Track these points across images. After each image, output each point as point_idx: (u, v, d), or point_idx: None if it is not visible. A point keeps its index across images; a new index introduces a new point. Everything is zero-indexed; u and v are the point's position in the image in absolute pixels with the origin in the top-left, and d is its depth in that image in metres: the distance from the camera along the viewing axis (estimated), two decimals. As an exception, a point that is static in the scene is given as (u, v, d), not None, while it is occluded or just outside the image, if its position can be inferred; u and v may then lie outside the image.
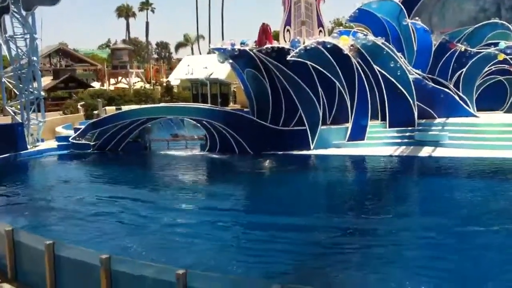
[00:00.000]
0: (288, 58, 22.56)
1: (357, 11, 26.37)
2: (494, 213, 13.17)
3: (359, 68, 23.44)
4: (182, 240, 11.92)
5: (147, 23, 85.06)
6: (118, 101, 37.16)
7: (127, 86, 50.81)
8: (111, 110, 28.37)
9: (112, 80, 54.85)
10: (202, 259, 10.46)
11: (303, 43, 23.31)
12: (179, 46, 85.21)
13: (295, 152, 22.81)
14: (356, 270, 9.88)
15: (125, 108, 27.88)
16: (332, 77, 23.25)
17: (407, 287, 8.96)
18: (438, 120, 24.06)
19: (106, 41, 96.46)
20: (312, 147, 23.24)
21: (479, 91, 25.99)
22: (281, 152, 22.80)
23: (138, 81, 54.41)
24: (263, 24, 23.99)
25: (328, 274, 9.67)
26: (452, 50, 25.78)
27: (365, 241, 11.53)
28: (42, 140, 26.44)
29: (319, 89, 23.29)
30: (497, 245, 10.90)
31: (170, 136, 25.83)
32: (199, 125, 24.12)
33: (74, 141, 25.05)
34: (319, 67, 23.01)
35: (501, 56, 25.01)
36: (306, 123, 23.33)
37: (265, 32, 23.79)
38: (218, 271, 8.78)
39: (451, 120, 23.95)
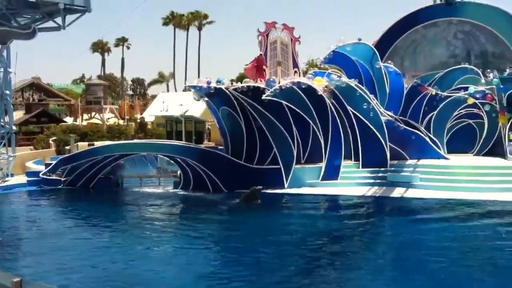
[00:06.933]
0: (264, 97, 22.78)
1: (331, 53, 27.01)
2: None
3: (333, 109, 23.80)
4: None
5: (122, 59, 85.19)
6: (91, 136, 36.78)
7: (100, 122, 50.41)
8: (83, 145, 28.02)
9: (86, 116, 54.33)
10: None
11: (279, 83, 23.64)
12: (152, 83, 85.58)
13: (269, 191, 22.74)
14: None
15: (98, 144, 27.60)
16: (306, 117, 23.54)
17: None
18: (409, 162, 24.38)
19: (81, 76, 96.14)
20: (286, 185, 23.28)
21: (450, 133, 26.56)
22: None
23: (112, 117, 54.03)
24: (260, 55, 24.52)
25: None
26: (423, 93, 26.42)
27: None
28: (12, 175, 25.94)
29: (294, 128, 23.52)
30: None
31: (156, 170, 25.44)
32: (172, 162, 23.98)
33: (45, 177, 24.59)
34: (293, 107, 23.30)
35: (471, 100, 25.71)
36: (280, 162, 23.41)
37: (259, 63, 24.20)
38: None
39: (422, 161, 24.30)
